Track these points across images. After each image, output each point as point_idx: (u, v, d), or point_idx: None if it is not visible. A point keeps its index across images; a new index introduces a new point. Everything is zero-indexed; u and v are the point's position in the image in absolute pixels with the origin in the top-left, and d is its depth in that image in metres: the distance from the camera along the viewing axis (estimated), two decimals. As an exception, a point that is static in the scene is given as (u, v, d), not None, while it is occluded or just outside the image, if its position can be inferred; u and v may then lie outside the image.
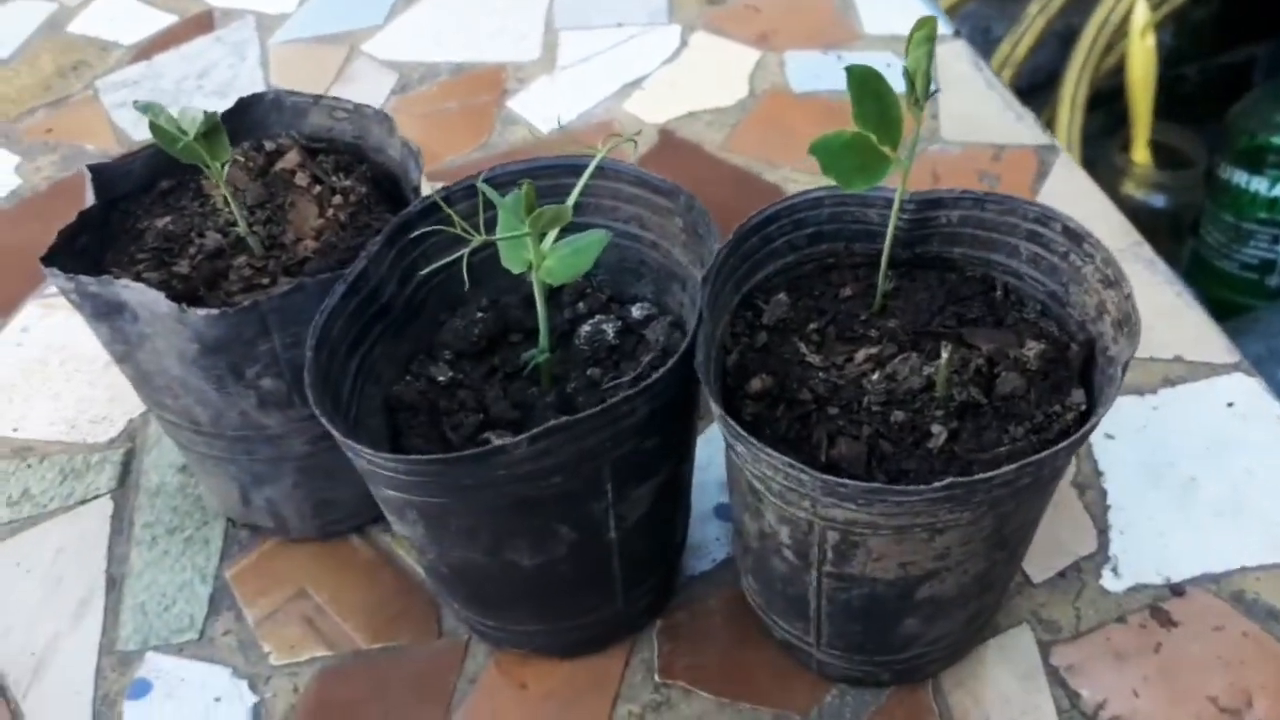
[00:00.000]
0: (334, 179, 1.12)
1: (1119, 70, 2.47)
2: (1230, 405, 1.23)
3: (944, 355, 0.87)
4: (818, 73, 1.79)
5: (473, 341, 1.01)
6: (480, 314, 1.02)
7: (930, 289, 0.99)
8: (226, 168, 1.03)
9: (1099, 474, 1.18)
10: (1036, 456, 0.78)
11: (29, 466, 1.28)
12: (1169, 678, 1.03)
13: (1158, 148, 2.52)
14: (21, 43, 2.00)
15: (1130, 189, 2.49)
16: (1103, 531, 1.13)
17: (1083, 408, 0.89)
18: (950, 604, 0.92)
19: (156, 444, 1.28)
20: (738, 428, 0.82)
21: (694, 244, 1.01)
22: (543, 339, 0.96)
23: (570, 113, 1.73)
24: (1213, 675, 1.03)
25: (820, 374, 0.92)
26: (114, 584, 1.16)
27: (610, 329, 1.02)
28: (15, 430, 1.32)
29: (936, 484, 0.77)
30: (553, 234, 0.89)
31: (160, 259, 1.04)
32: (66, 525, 1.21)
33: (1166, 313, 1.32)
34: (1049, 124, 2.32)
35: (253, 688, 1.07)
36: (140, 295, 0.94)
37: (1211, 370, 1.27)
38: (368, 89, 1.82)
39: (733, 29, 1.90)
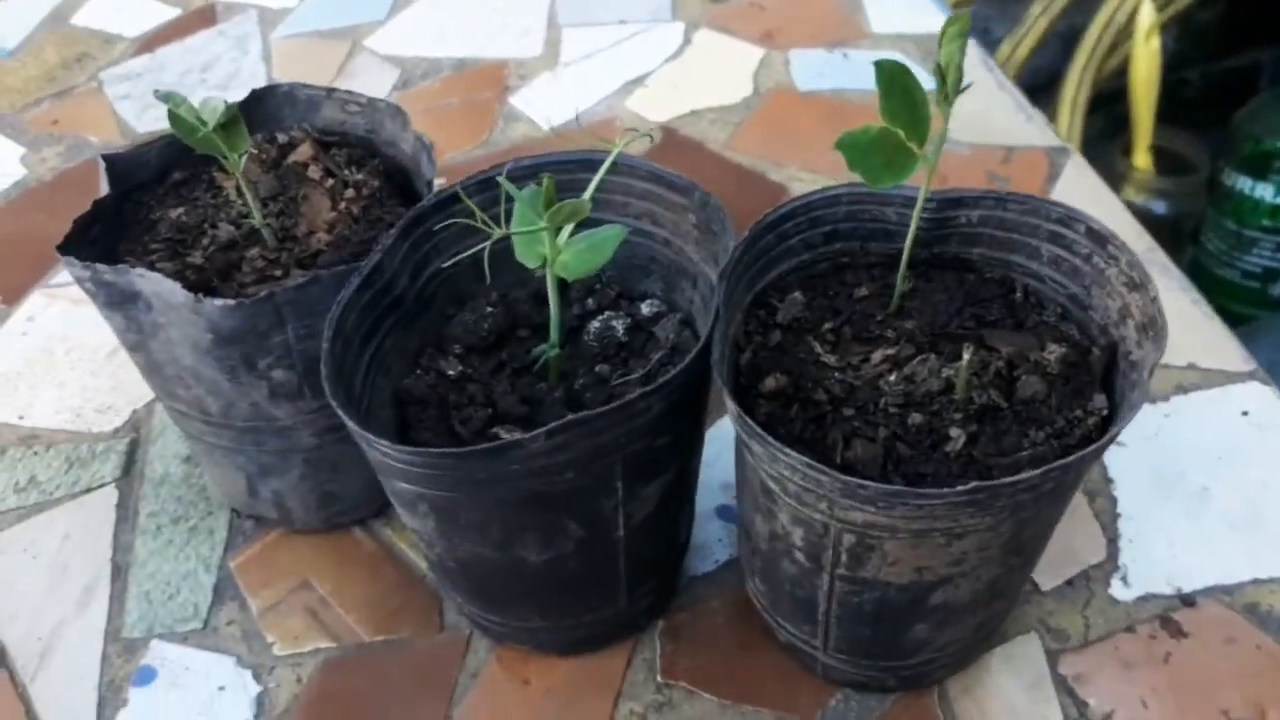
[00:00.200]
0: (346, 172, 1.12)
1: (1121, 73, 2.46)
2: (1245, 414, 1.22)
3: (965, 357, 0.86)
4: (823, 71, 1.78)
5: (482, 336, 1.01)
6: (489, 309, 1.02)
7: (948, 290, 0.98)
8: (243, 159, 1.02)
9: (1109, 481, 1.17)
10: (1062, 461, 0.78)
11: (35, 454, 1.27)
12: (1179, 689, 1.02)
13: (1159, 152, 2.51)
14: (26, 35, 2.00)
15: (1130, 194, 2.48)
16: (1112, 540, 1.13)
17: (1104, 413, 0.88)
18: (962, 610, 0.92)
19: (161, 434, 1.28)
20: (755, 427, 0.81)
21: (707, 241, 1.00)
22: (553, 334, 0.95)
23: (574, 110, 1.73)
24: (1224, 688, 1.02)
25: (836, 374, 0.92)
26: (119, 572, 1.16)
27: (620, 326, 1.01)
28: (21, 418, 1.32)
29: (960, 487, 0.76)
30: (568, 229, 0.89)
31: (174, 249, 1.04)
32: (72, 513, 1.21)
33: (1180, 319, 1.31)
34: (1048, 126, 2.31)
35: (256, 677, 1.07)
36: (155, 285, 0.94)
37: (1226, 378, 1.26)
38: (370, 84, 1.81)
39: (737, 26, 1.90)
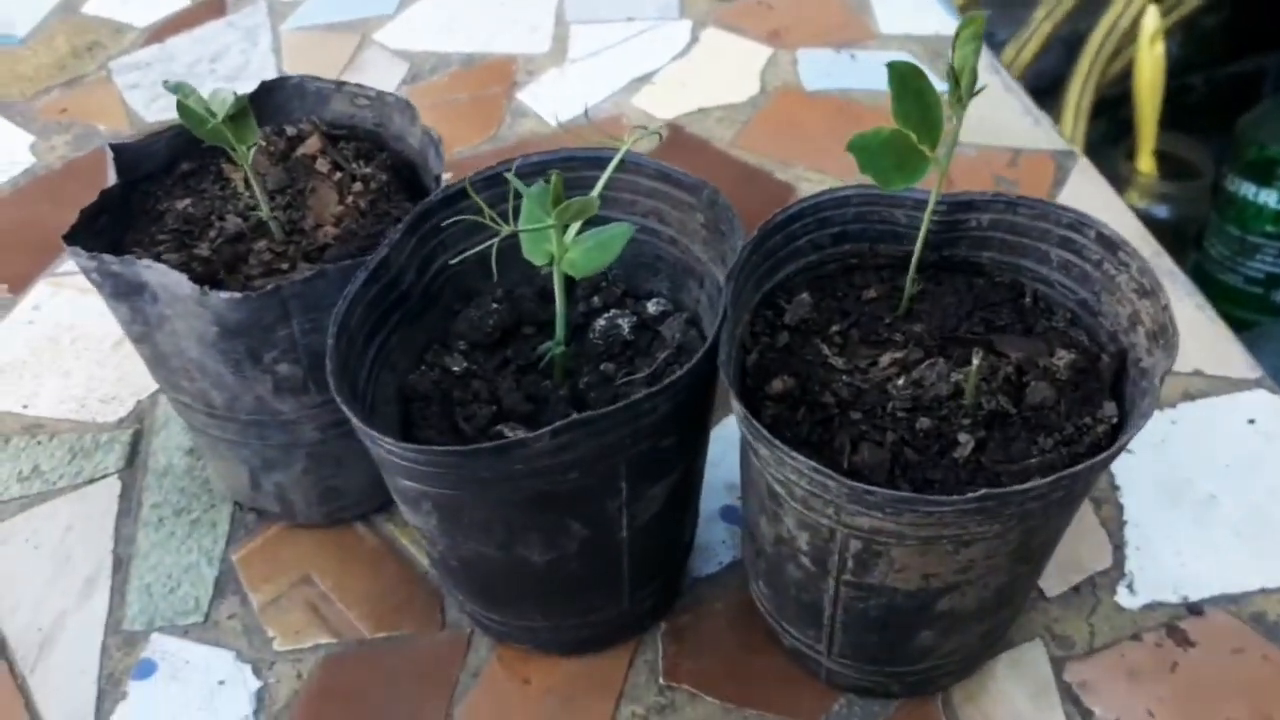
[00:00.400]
0: (354, 166, 1.12)
1: (1125, 77, 2.46)
2: (1251, 422, 1.22)
3: (975, 362, 0.86)
4: (830, 71, 1.78)
5: (487, 333, 1.01)
6: (495, 305, 1.02)
7: (958, 293, 0.98)
8: (252, 151, 1.02)
9: (1116, 488, 1.17)
10: (1072, 469, 0.77)
11: (39, 444, 1.27)
12: (1185, 699, 1.02)
13: (1163, 157, 2.51)
14: (38, 23, 2.00)
15: (1134, 199, 2.47)
16: (1119, 547, 1.12)
17: (1114, 421, 0.88)
18: (968, 617, 0.91)
19: (165, 425, 1.28)
20: (762, 430, 0.81)
21: (714, 240, 1.00)
22: (559, 332, 0.95)
23: (582, 106, 1.73)
24: (1231, 698, 1.02)
25: (843, 377, 0.92)
26: (120, 564, 1.15)
27: (626, 324, 1.01)
28: (26, 407, 1.32)
29: (970, 495, 0.76)
30: (575, 226, 0.88)
31: (181, 241, 1.03)
32: (75, 503, 1.21)
33: (1186, 325, 1.29)
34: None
35: (256, 672, 1.07)
36: (162, 276, 0.94)
37: (1232, 385, 1.26)
38: (378, 78, 1.81)
39: (744, 25, 1.90)
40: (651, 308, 1.03)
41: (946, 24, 1.86)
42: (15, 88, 1.84)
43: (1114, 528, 1.14)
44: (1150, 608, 1.08)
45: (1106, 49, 2.42)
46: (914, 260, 0.95)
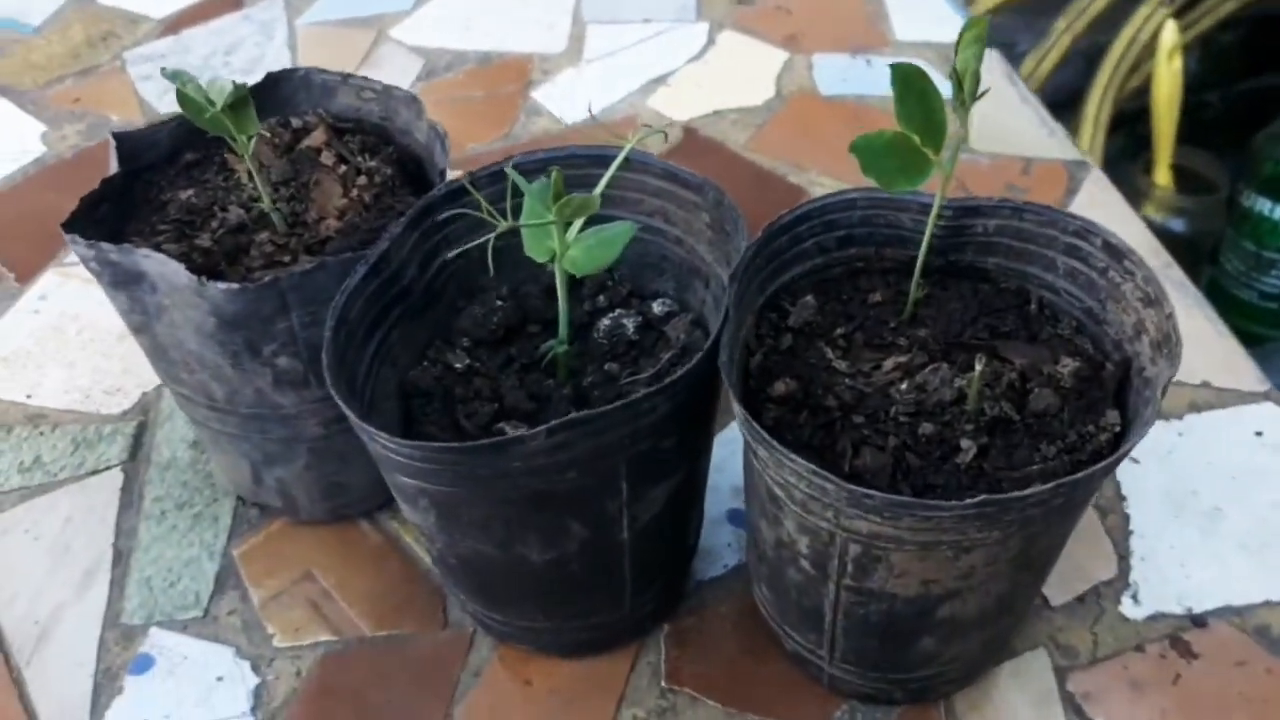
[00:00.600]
0: (359, 159, 1.12)
1: (1143, 91, 2.46)
2: (1259, 435, 1.21)
3: (978, 368, 0.85)
4: (845, 76, 1.78)
5: (491, 330, 1.01)
6: (500, 303, 1.02)
7: (963, 299, 0.97)
8: (253, 142, 1.01)
9: (1121, 498, 1.16)
10: (1073, 477, 0.77)
11: (41, 434, 1.27)
12: (1188, 711, 1.01)
13: (1180, 172, 2.50)
14: (53, 11, 2.01)
15: (1150, 212, 2.47)
16: (1123, 557, 1.12)
17: (1117, 429, 0.87)
18: (970, 625, 0.91)
19: (169, 418, 1.28)
20: (761, 432, 0.80)
21: (720, 241, 1.00)
22: (562, 330, 0.95)
23: (590, 107, 1.72)
24: (1233, 711, 1.01)
25: (846, 380, 0.91)
26: (120, 557, 1.15)
27: (630, 324, 1.01)
28: (29, 397, 1.32)
29: (969, 500, 0.75)
30: (578, 224, 0.88)
31: (182, 231, 1.03)
32: (76, 495, 1.21)
33: (1195, 337, 1.30)
34: (1070, 143, 2.31)
35: (255, 669, 1.06)
36: (160, 266, 0.94)
37: (1240, 398, 1.25)
38: (394, 74, 1.81)
39: (761, 29, 1.90)
40: (657, 308, 1.03)
41: (962, 31, 1.86)
42: (28, 76, 1.84)
43: (1119, 538, 1.13)
44: (1154, 619, 1.07)
45: (1125, 63, 2.42)
46: (919, 265, 0.94)
